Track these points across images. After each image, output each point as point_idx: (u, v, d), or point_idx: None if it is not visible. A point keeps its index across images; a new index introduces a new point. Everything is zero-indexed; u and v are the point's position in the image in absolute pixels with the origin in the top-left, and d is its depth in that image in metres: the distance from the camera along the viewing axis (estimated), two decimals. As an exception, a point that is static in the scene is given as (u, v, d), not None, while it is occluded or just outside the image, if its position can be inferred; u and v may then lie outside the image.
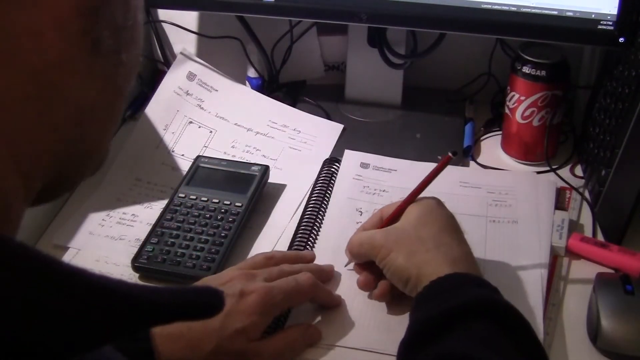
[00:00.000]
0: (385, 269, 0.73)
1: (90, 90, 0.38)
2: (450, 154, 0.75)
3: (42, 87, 0.35)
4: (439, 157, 0.98)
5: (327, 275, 0.79)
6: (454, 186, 0.92)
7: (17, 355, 0.31)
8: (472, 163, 1.00)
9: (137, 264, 0.81)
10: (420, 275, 0.69)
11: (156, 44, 1.13)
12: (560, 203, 0.90)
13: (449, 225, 0.74)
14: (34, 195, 0.37)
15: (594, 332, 0.72)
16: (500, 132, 1.03)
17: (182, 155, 0.99)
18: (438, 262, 0.69)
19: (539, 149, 0.98)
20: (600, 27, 0.87)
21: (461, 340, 0.60)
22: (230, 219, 0.85)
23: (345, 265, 0.80)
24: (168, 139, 1.00)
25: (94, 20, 0.36)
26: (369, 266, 0.76)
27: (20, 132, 0.35)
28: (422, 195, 0.77)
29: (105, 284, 0.33)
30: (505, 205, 0.89)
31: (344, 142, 1.01)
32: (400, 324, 0.74)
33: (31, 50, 0.34)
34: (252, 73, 1.11)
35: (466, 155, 1.00)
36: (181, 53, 1.06)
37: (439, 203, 0.76)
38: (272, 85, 1.13)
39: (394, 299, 0.76)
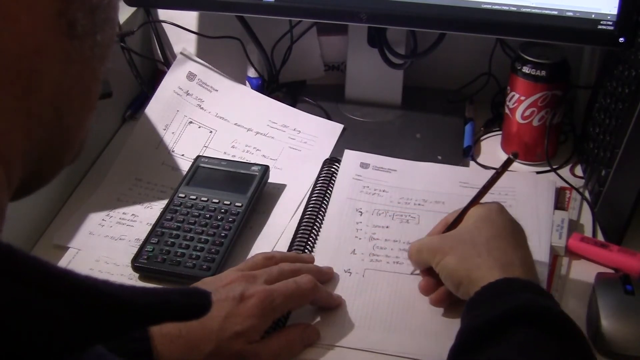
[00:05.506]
0: (440, 272, 0.73)
1: (67, 74, 0.37)
2: (511, 156, 0.75)
3: (19, 73, 0.34)
4: (439, 157, 0.98)
5: (327, 277, 0.79)
6: (454, 186, 0.92)
7: (5, 356, 0.31)
8: (472, 163, 1.00)
9: (137, 264, 0.81)
10: (470, 279, 0.69)
11: (156, 44, 1.13)
12: (560, 203, 0.90)
13: (507, 231, 0.73)
14: (15, 186, 0.37)
15: (594, 332, 0.72)
16: (500, 132, 1.03)
17: (182, 155, 0.99)
18: (488, 267, 0.68)
19: (539, 149, 0.98)
20: (600, 27, 0.87)
21: (506, 349, 0.60)
22: (230, 219, 0.85)
23: (412, 272, 0.80)
24: (168, 139, 1.00)
25: (68, 2, 0.36)
26: (432, 271, 0.76)
27: None
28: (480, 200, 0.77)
29: (92, 284, 0.33)
30: (505, 206, 0.88)
31: (344, 142, 1.01)
32: (399, 324, 0.75)
33: (6, 35, 0.33)
34: (252, 73, 1.11)
35: (466, 155, 1.00)
36: (181, 53, 1.06)
37: (499, 208, 0.75)
38: (272, 85, 1.13)
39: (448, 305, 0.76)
